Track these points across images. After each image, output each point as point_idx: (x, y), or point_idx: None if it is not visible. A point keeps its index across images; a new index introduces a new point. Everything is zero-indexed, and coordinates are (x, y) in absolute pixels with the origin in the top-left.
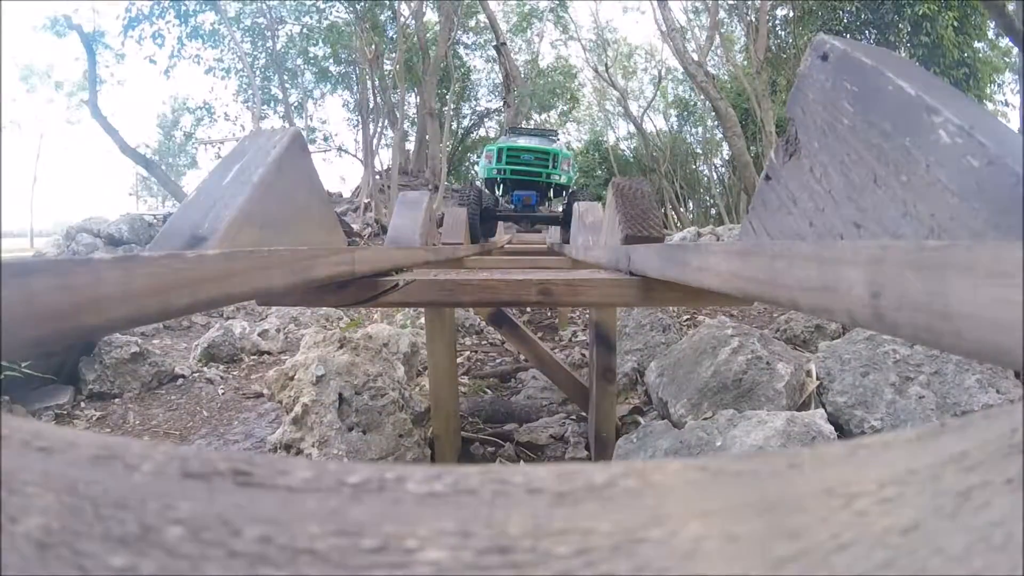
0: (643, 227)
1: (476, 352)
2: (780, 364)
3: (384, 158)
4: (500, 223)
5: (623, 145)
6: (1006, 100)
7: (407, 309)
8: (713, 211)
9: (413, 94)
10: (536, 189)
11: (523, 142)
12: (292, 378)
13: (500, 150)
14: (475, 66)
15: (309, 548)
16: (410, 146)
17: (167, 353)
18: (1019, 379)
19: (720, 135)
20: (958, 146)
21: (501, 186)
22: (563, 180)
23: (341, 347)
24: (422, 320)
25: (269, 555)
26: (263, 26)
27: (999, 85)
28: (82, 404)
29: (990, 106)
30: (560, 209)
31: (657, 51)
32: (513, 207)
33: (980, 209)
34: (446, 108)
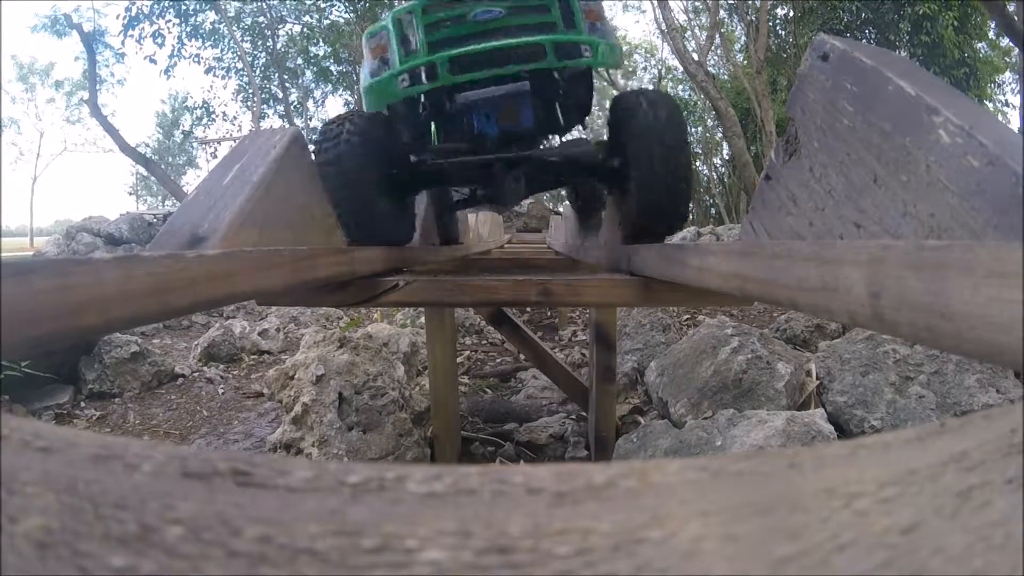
0: None
1: (476, 352)
2: (780, 364)
3: None
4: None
5: None
6: (1006, 100)
7: (407, 309)
8: (713, 211)
9: None
10: (521, 97)
11: None
12: (292, 377)
13: (413, 9)
14: None
15: (309, 548)
16: None
17: (167, 353)
18: (1019, 379)
19: (720, 135)
20: (958, 146)
21: (432, 108)
22: (589, 55)
23: (341, 347)
24: (422, 319)
25: (269, 555)
26: (263, 25)
27: (999, 85)
28: (82, 404)
29: (990, 106)
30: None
31: (657, 50)
32: (481, 135)
33: (980, 209)
34: None
